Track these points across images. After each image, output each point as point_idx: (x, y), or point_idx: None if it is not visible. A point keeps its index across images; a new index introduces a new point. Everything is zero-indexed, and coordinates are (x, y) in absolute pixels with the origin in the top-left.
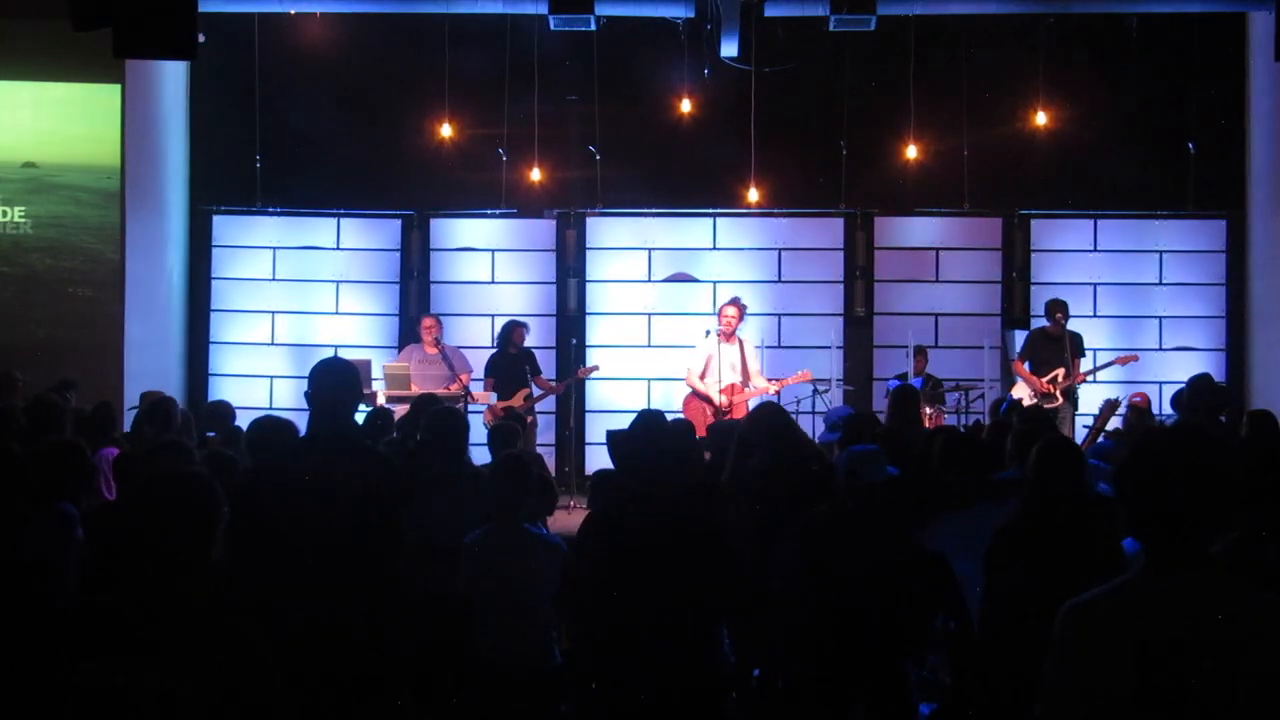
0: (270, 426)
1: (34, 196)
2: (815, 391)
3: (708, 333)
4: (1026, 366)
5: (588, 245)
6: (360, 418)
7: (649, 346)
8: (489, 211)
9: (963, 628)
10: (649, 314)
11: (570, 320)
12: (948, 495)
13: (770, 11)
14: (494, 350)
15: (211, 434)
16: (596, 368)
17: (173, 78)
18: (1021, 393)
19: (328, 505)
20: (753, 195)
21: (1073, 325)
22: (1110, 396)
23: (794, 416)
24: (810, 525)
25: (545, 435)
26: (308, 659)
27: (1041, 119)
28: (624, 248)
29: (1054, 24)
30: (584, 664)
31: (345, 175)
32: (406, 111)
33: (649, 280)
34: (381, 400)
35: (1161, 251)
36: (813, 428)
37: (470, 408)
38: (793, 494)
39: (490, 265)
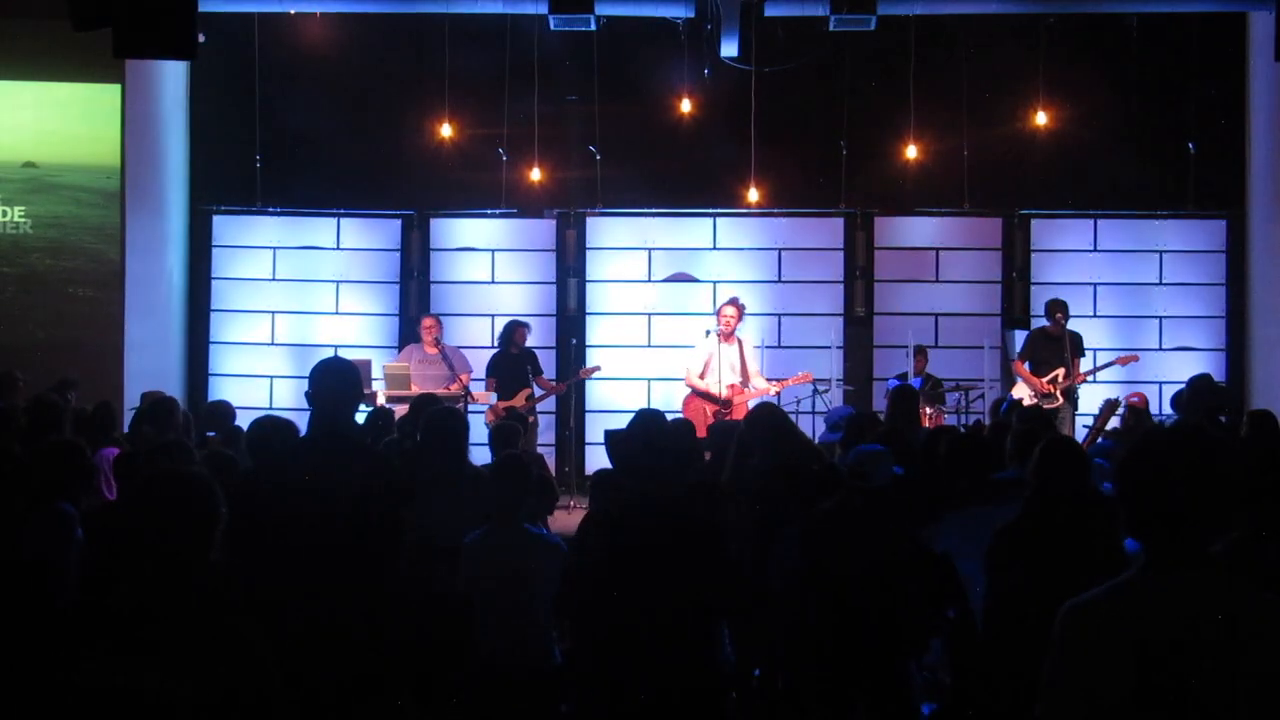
0: (270, 427)
1: (34, 196)
2: (815, 392)
3: (707, 333)
4: (1026, 366)
5: (588, 245)
6: (360, 418)
7: (649, 346)
8: (489, 211)
9: (963, 618)
10: (649, 314)
11: (570, 320)
12: (952, 495)
13: (770, 11)
14: (495, 350)
15: (211, 434)
16: (598, 368)
17: (173, 78)
18: (1021, 393)
19: (328, 505)
20: (753, 195)
21: (1073, 325)
22: (1110, 396)
23: (794, 417)
24: (810, 525)
25: (545, 435)
26: (308, 659)
27: (1041, 119)
28: (624, 248)
29: (1054, 24)
30: (584, 664)
31: (345, 175)
32: (406, 111)
33: (649, 280)
34: (381, 400)
35: (1161, 251)
36: (813, 428)
37: (472, 408)
38: (793, 494)
39: (490, 265)
